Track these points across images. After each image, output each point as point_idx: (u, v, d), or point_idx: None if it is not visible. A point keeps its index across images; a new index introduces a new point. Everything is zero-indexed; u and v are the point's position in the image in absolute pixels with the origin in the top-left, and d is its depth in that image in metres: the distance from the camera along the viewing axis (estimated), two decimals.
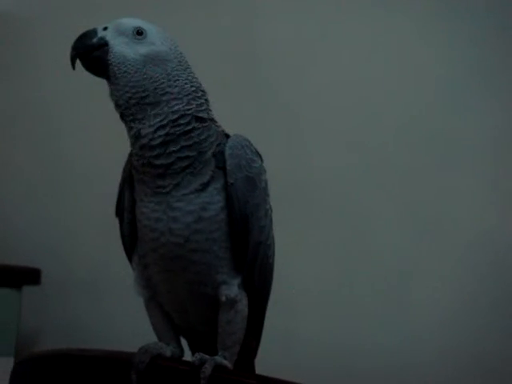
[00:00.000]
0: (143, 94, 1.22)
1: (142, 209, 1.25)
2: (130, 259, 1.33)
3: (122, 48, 1.24)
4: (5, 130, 2.98)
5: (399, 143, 2.25)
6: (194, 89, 1.26)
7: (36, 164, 2.88)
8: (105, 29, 1.25)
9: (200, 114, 1.25)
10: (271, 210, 1.33)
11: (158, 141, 1.21)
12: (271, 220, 1.32)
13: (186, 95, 1.24)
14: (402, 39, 2.30)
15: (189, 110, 1.23)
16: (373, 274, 2.21)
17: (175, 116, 1.22)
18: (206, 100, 1.28)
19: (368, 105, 2.30)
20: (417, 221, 2.21)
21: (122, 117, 1.26)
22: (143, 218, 1.24)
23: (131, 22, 1.26)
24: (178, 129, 1.22)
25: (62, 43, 2.69)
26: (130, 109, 1.24)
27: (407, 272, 2.18)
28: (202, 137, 1.23)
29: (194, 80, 1.27)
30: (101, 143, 2.68)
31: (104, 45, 1.24)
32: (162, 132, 1.21)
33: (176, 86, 1.24)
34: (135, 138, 1.23)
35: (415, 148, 2.24)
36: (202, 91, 1.28)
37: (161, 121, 1.22)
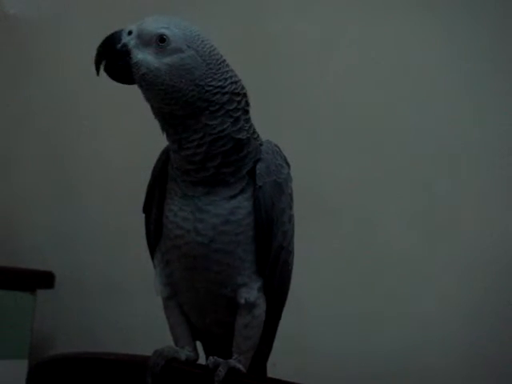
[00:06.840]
0: (174, 107, 1.21)
1: (171, 206, 1.27)
2: (152, 256, 1.34)
3: (144, 57, 1.20)
4: (17, 133, 3.00)
5: (413, 147, 2.23)
6: (227, 97, 1.22)
7: (50, 167, 2.89)
8: (129, 33, 1.21)
9: (238, 136, 1.23)
10: (293, 218, 1.34)
11: (198, 158, 1.22)
12: (293, 227, 1.33)
13: (219, 109, 1.22)
14: (423, 39, 2.25)
15: (224, 130, 1.22)
16: (386, 277, 2.19)
17: (211, 138, 1.22)
18: (245, 109, 1.25)
19: (381, 109, 2.28)
20: (431, 224, 2.18)
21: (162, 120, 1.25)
22: (171, 214, 1.26)
23: (154, 28, 1.21)
24: (216, 151, 1.22)
25: (73, 43, 2.77)
26: (165, 117, 1.24)
27: (421, 275, 2.16)
28: (242, 154, 1.24)
29: (228, 83, 1.23)
30: (115, 146, 2.69)
31: (127, 53, 1.21)
32: (201, 150, 1.22)
33: (206, 101, 1.21)
34: (176, 145, 1.24)
35: (430, 151, 2.21)
36: (237, 93, 1.24)
37: (201, 138, 1.21)
